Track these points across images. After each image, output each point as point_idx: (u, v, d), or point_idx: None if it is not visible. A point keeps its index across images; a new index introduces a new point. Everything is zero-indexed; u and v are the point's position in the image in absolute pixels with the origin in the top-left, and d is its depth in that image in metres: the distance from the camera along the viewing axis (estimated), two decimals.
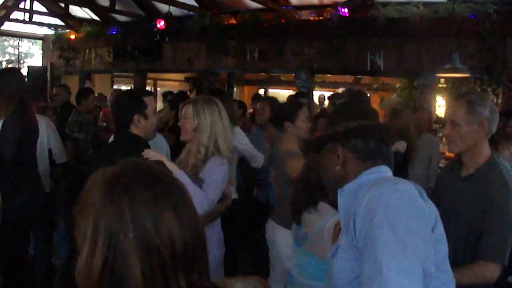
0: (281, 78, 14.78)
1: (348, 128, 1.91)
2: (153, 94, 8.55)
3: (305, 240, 2.86)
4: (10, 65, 16.12)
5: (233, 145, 3.80)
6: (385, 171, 1.90)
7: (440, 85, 10.99)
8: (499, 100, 8.71)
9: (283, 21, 10.21)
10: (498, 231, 2.55)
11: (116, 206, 1.13)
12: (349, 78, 14.37)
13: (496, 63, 8.52)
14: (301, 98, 7.57)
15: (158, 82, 15.94)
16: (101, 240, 1.11)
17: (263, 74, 13.45)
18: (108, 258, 1.10)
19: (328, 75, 13.14)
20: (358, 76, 13.86)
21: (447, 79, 10.23)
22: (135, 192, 1.16)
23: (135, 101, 3.37)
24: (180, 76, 15.27)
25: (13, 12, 13.58)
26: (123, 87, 14.82)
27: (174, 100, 6.91)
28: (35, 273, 5.00)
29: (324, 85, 14.56)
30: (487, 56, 8.55)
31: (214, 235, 3.52)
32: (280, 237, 4.05)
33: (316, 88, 14.20)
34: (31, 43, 18.15)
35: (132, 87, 12.64)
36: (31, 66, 15.56)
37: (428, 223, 1.65)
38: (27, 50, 18.93)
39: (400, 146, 5.05)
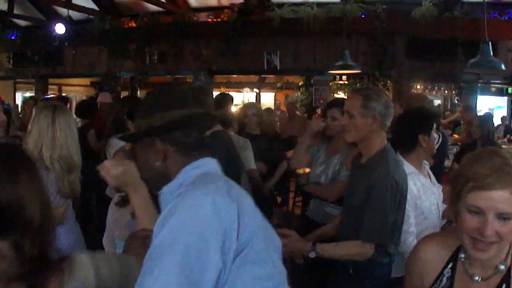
0: (188, 80, 14.73)
1: (165, 121, 1.69)
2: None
3: None
4: None
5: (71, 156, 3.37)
6: (208, 164, 1.71)
7: (342, 82, 11.37)
8: (390, 94, 9.09)
9: (181, 23, 10.23)
10: (375, 213, 2.74)
11: None
12: (253, 78, 14.56)
13: (386, 59, 8.91)
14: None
15: (63, 88, 15.48)
16: None
17: (168, 76, 13.39)
18: None
19: (234, 75, 13.26)
20: (263, 76, 14.04)
21: (347, 76, 10.60)
22: None
23: None
24: (85, 80, 14.94)
25: None
26: (27, 94, 14.34)
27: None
28: None
29: (229, 86, 14.65)
30: (378, 53, 8.94)
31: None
32: None
33: (222, 88, 14.31)
34: None
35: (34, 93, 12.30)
36: None
37: (223, 243, 1.40)
38: None
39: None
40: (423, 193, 3.20)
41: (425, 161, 3.62)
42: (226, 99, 5.63)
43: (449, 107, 12.87)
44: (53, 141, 3.19)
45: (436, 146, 4.69)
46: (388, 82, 9.26)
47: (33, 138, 3.19)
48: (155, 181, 1.78)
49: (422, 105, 4.85)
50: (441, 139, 4.80)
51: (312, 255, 2.74)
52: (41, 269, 1.35)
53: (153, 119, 1.71)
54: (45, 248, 1.38)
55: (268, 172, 5.57)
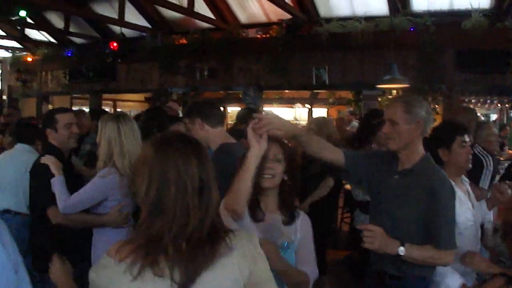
0: (240, 96, 14.84)
1: None
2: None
3: None
4: None
5: None
6: None
7: (391, 96, 11.23)
8: (440, 108, 8.97)
9: (230, 39, 10.40)
10: (447, 220, 2.76)
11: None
12: (305, 94, 14.55)
13: (436, 72, 8.78)
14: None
15: (118, 103, 15.90)
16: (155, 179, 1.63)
17: (221, 92, 13.59)
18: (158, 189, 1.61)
19: (286, 91, 13.34)
20: (315, 91, 14.05)
21: (397, 90, 10.50)
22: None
23: (47, 118, 3.89)
24: (139, 96, 15.31)
25: None
26: (84, 109, 14.80)
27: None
28: None
29: (282, 102, 14.68)
30: (427, 66, 8.81)
31: None
32: None
33: (274, 105, 14.39)
34: None
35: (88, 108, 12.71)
36: None
37: None
38: None
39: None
40: (459, 207, 3.15)
41: (465, 179, 3.56)
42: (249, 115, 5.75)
43: (505, 121, 12.58)
44: (122, 150, 3.41)
45: (489, 170, 4.52)
46: (438, 96, 9.10)
47: (104, 149, 3.45)
48: None
49: (463, 117, 4.75)
50: (490, 161, 4.61)
51: (401, 251, 2.67)
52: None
53: None
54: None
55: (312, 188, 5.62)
